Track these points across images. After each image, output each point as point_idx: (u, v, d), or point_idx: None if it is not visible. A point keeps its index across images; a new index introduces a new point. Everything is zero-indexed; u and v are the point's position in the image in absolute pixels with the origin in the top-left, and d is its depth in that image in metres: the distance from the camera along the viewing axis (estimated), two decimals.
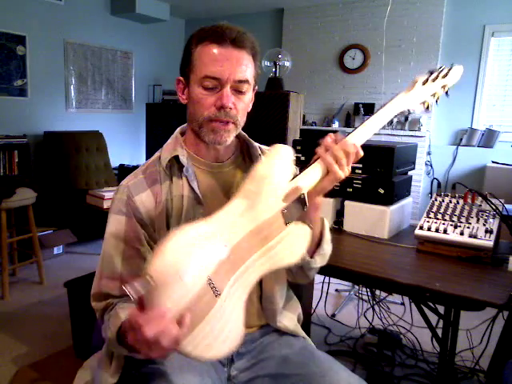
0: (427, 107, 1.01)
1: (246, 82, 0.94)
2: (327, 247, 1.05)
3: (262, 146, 1.13)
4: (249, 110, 1.02)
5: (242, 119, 0.98)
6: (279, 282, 1.08)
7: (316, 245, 1.02)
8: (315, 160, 0.91)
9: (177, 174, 0.99)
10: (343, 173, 0.89)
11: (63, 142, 3.97)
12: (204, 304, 0.75)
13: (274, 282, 1.06)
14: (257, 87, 1.04)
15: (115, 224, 0.97)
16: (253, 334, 1.08)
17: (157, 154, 1.04)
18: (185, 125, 1.07)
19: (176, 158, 0.99)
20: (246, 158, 1.08)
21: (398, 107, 0.99)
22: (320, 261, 1.04)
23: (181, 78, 0.99)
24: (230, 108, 0.92)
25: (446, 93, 1.02)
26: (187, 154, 1.01)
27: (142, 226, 0.96)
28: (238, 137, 1.08)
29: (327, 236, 1.04)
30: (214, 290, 0.77)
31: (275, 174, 0.88)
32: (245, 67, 0.93)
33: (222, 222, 0.81)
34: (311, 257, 1.02)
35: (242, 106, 0.96)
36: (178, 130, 1.07)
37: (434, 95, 1.01)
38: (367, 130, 0.94)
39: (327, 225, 1.05)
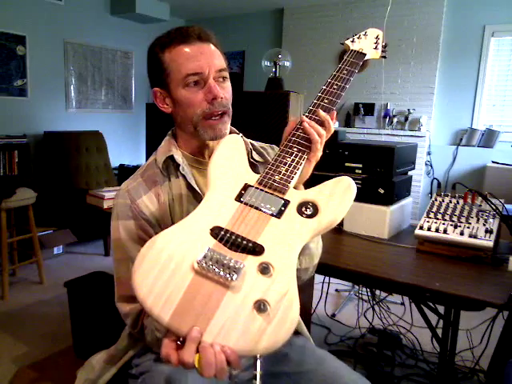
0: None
1: (225, 69, 0.97)
2: (313, 246, 0.97)
3: (255, 142, 1.13)
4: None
5: (230, 107, 1.00)
6: None
7: None
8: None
9: (174, 173, 1.00)
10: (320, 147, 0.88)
11: (63, 142, 3.97)
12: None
13: None
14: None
15: (125, 229, 0.95)
16: None
17: (152, 157, 1.04)
18: (174, 128, 1.07)
19: (171, 158, 1.00)
20: None
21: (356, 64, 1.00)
22: (306, 262, 0.98)
23: (157, 89, 0.98)
24: (221, 98, 0.94)
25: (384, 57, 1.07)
26: (182, 154, 1.02)
27: (150, 226, 0.96)
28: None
29: None
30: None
31: (231, 159, 0.88)
32: (218, 56, 0.96)
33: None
34: None
35: (228, 93, 0.98)
36: (170, 132, 1.08)
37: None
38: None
39: None
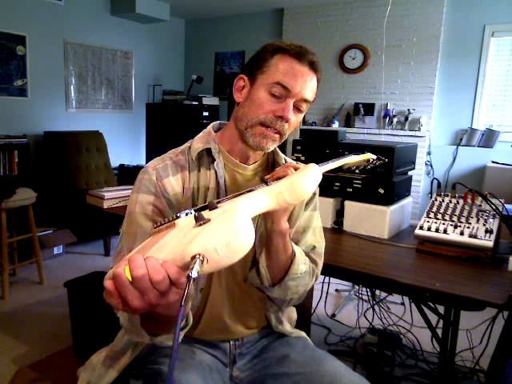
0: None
1: (308, 103, 0.97)
2: (292, 283, 0.98)
3: (287, 158, 1.14)
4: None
5: (287, 135, 1.00)
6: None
7: (281, 276, 0.97)
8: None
9: (206, 165, 1.01)
10: None
11: (63, 142, 3.97)
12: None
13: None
14: None
15: (141, 203, 0.95)
16: (254, 335, 1.09)
17: (187, 144, 1.04)
18: (218, 122, 1.10)
19: (208, 151, 1.01)
20: (269, 166, 1.08)
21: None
22: (279, 293, 0.99)
23: (244, 77, 1.00)
24: (287, 121, 0.94)
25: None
26: (219, 150, 1.02)
27: (169, 207, 0.96)
28: None
29: (293, 271, 0.97)
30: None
31: None
32: (313, 89, 0.97)
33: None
34: (272, 285, 0.98)
35: (294, 123, 0.99)
36: (212, 124, 1.09)
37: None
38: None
39: (298, 260, 0.97)
